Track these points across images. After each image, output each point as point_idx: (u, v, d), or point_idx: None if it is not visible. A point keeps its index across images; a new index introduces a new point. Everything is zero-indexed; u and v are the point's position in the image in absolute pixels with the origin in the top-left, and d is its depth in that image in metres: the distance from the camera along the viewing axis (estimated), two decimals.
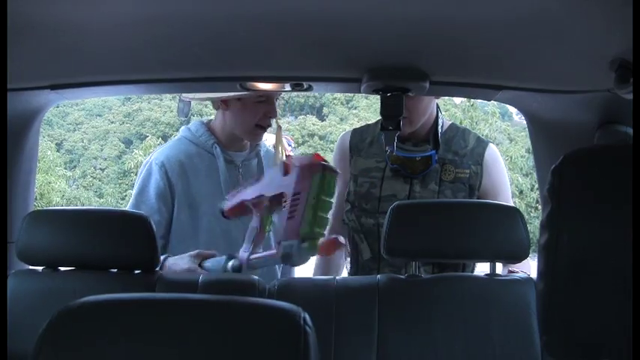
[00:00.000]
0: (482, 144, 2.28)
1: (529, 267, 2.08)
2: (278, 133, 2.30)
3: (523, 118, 2.04)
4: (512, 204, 2.29)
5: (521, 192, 17.98)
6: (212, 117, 2.35)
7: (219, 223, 2.18)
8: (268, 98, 2.16)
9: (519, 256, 1.78)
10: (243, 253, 1.65)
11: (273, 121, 2.29)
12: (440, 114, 2.27)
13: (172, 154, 2.21)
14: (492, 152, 2.27)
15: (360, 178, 2.27)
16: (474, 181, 2.23)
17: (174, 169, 2.18)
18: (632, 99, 1.29)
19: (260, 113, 2.17)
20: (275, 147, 2.31)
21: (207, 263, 1.89)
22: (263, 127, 2.21)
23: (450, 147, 2.24)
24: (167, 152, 2.22)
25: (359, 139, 2.33)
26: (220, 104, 2.21)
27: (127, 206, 2.23)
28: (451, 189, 2.21)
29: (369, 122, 2.42)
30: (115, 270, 1.83)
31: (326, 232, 2.24)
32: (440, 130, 2.24)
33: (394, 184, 2.22)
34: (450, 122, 2.34)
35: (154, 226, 1.80)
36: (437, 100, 2.26)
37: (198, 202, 2.18)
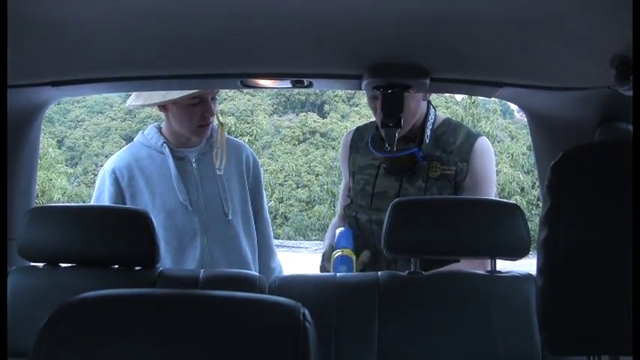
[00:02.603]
0: (470, 139, 2.24)
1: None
2: (220, 131, 2.36)
3: (524, 115, 2.04)
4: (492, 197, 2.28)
5: (522, 189, 17.96)
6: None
7: (173, 220, 2.27)
8: (202, 100, 2.22)
9: (520, 253, 1.78)
10: None
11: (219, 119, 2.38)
12: (432, 111, 2.26)
13: (121, 160, 2.34)
14: (480, 147, 2.24)
15: (357, 175, 2.33)
16: (460, 178, 2.21)
17: (123, 175, 2.30)
18: (632, 96, 1.29)
19: (197, 115, 2.24)
20: (219, 146, 2.36)
21: None
22: (205, 125, 2.29)
23: (438, 144, 2.23)
24: (117, 160, 2.35)
25: (358, 138, 2.38)
26: (160, 108, 2.30)
27: None
28: (437, 186, 2.20)
29: (373, 119, 2.42)
30: (116, 266, 1.84)
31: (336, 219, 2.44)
32: (430, 127, 2.23)
33: (386, 182, 2.26)
34: (444, 118, 2.33)
35: (154, 223, 1.80)
36: (438, 98, 2.27)
37: (150, 202, 2.28)
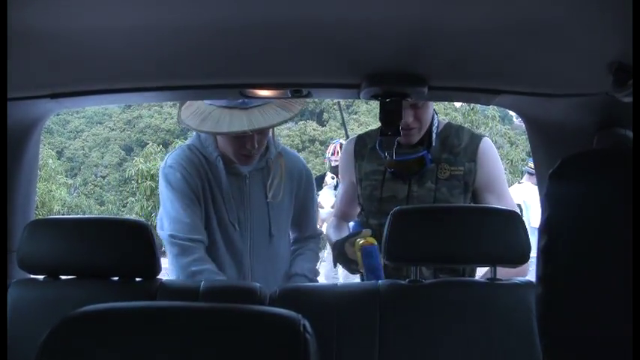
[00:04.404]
0: (475, 140, 2.34)
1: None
2: (281, 162, 2.33)
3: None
4: (509, 195, 2.38)
5: None
6: None
7: (222, 234, 2.23)
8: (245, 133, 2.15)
9: (520, 261, 1.78)
10: None
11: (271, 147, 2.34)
12: (435, 116, 2.34)
13: (187, 157, 2.24)
14: (485, 147, 2.34)
15: (364, 181, 2.40)
16: (469, 178, 2.30)
17: (193, 171, 2.21)
18: (630, 101, 1.29)
19: (240, 144, 2.20)
20: (277, 177, 2.32)
21: None
22: (247, 156, 2.23)
23: (445, 146, 2.32)
24: (182, 156, 2.24)
25: (362, 146, 2.46)
26: None
27: (165, 214, 2.21)
28: (447, 186, 2.29)
29: (372, 128, 2.55)
30: (117, 278, 1.83)
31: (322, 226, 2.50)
32: (435, 131, 2.32)
33: (393, 186, 2.33)
34: (446, 122, 2.43)
35: (154, 234, 1.80)
36: (437, 105, 2.34)
37: (213, 212, 2.23)
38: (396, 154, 2.20)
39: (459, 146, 2.32)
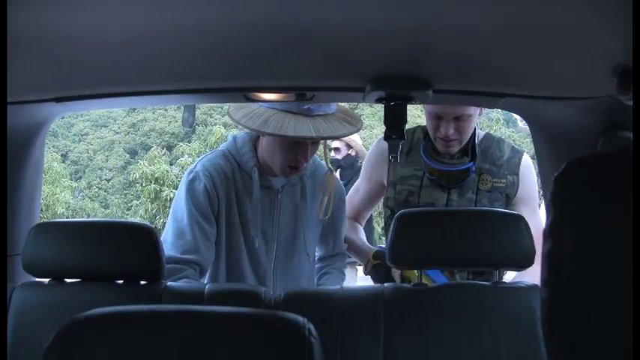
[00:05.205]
0: (517, 154, 2.34)
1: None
2: (330, 179, 2.25)
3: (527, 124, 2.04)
4: (538, 210, 2.37)
5: None
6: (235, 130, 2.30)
7: (247, 249, 2.18)
8: (300, 141, 2.06)
9: (524, 264, 1.77)
10: None
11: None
12: (475, 125, 2.30)
13: (218, 165, 2.15)
14: (527, 162, 2.35)
15: (398, 185, 2.35)
16: (511, 190, 2.30)
17: (222, 181, 2.13)
18: (632, 105, 1.29)
19: (290, 153, 2.09)
20: (327, 195, 2.24)
21: None
22: (295, 168, 2.14)
23: (486, 157, 2.31)
24: (214, 162, 2.16)
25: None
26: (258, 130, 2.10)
27: (171, 223, 2.14)
28: (488, 197, 2.28)
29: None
30: (121, 281, 1.84)
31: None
32: (476, 141, 2.29)
33: (432, 193, 2.29)
34: (485, 132, 2.41)
35: (159, 238, 1.80)
36: None
37: (239, 224, 2.16)
38: (440, 163, 2.25)
39: (501, 158, 2.32)
